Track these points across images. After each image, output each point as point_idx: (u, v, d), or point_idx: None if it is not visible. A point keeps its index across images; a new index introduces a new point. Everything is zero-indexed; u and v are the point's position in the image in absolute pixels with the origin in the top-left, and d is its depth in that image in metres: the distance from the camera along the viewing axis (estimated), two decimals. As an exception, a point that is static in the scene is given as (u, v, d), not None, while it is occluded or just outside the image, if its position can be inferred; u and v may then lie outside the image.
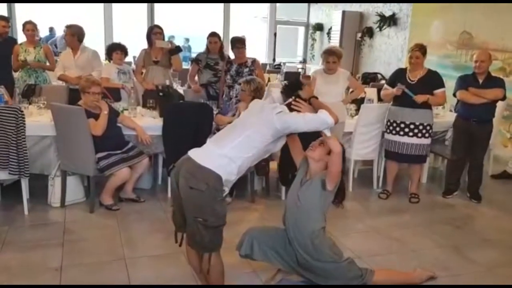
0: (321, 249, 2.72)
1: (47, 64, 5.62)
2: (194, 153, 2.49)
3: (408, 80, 4.53)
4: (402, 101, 4.56)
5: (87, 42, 5.52)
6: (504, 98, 4.64)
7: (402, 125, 4.56)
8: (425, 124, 4.53)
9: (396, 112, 4.61)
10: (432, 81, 4.49)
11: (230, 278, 2.80)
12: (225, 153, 2.45)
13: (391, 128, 4.66)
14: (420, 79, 4.48)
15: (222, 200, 2.45)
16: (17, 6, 10.78)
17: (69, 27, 5.25)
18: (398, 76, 4.67)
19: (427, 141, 4.59)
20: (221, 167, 2.40)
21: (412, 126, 4.53)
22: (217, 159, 2.43)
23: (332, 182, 2.61)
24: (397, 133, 4.60)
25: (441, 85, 4.52)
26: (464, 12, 7.50)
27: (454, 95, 4.72)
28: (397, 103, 4.62)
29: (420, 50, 4.47)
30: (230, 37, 5.63)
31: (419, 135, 4.54)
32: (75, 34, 5.21)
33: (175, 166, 2.52)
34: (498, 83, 4.60)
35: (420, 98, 4.42)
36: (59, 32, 10.61)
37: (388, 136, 4.69)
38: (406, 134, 4.56)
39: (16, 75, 5.69)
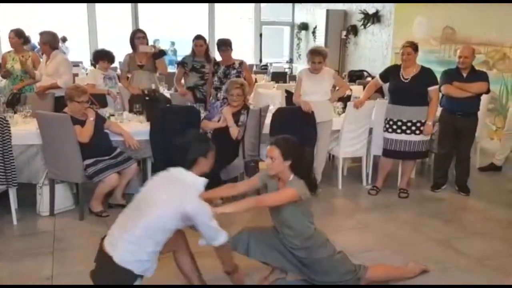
0: (314, 249, 2.74)
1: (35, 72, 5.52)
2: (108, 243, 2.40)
3: (402, 78, 4.53)
4: (397, 99, 4.58)
5: (72, 47, 5.46)
6: (488, 91, 4.71)
7: (399, 123, 4.58)
8: (422, 121, 4.53)
9: (393, 110, 4.62)
10: (426, 78, 4.50)
11: (224, 279, 2.79)
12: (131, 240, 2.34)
13: (387, 126, 4.67)
14: (413, 77, 4.48)
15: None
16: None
17: (40, 35, 5.17)
18: (392, 71, 4.69)
19: (425, 137, 4.61)
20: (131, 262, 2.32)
21: (409, 124, 4.54)
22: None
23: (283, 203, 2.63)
24: (394, 131, 4.61)
25: (435, 82, 4.54)
26: (446, 8, 7.58)
27: (439, 89, 4.77)
28: (393, 101, 4.64)
29: (412, 46, 4.47)
30: (216, 39, 5.62)
31: (417, 132, 4.55)
32: (46, 42, 5.12)
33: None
34: (482, 76, 4.66)
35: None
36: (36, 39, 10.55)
37: (386, 135, 4.69)
38: (403, 132, 4.57)
39: (2, 84, 5.62)
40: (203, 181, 2.48)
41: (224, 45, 5.23)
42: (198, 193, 2.42)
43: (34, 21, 11.04)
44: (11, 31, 5.46)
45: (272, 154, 2.62)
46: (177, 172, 2.48)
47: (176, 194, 2.37)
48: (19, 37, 5.37)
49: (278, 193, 2.64)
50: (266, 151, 2.69)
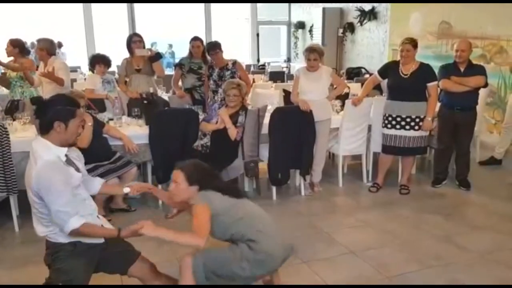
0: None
1: (34, 78, 5.52)
2: None
3: (401, 74, 4.53)
4: (397, 95, 4.58)
5: (69, 52, 5.47)
6: (486, 85, 4.70)
7: (398, 119, 4.57)
8: (421, 116, 4.53)
9: (391, 106, 4.61)
10: (425, 74, 4.50)
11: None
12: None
13: (386, 122, 4.67)
14: (412, 72, 4.48)
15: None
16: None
17: (38, 41, 5.21)
18: (391, 67, 4.68)
19: (424, 132, 4.61)
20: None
21: (408, 120, 4.54)
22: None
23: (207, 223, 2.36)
24: (393, 126, 4.61)
25: (434, 78, 4.54)
26: (442, 3, 7.57)
27: (437, 84, 4.77)
28: (392, 97, 4.64)
29: (411, 43, 4.48)
30: (213, 40, 5.60)
31: (416, 127, 4.55)
32: (43, 48, 5.14)
33: None
34: (479, 70, 4.66)
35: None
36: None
37: (385, 131, 4.69)
38: (402, 127, 4.57)
39: (4, 92, 5.65)
40: (59, 151, 2.22)
41: (213, 48, 5.18)
42: (52, 165, 2.15)
43: (31, 26, 11.07)
44: (8, 40, 5.48)
45: (176, 178, 2.41)
46: (34, 144, 2.25)
47: (27, 172, 2.21)
48: (13, 46, 5.38)
49: (195, 216, 2.32)
50: (172, 176, 2.46)
